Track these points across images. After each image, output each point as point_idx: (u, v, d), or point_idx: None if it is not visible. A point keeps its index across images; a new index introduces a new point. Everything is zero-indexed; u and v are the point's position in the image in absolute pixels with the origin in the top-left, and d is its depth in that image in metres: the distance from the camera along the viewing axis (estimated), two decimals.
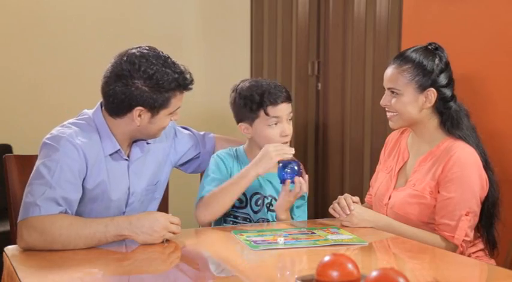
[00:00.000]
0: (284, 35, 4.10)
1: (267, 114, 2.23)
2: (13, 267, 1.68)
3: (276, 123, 2.24)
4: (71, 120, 2.07)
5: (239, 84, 2.31)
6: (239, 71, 4.34)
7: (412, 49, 2.26)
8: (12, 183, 2.24)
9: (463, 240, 2.11)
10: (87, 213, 2.02)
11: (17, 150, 3.80)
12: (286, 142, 2.26)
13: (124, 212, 2.12)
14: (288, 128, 2.26)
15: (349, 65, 3.60)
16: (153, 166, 2.19)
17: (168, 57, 2.03)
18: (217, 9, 4.42)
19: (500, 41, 2.63)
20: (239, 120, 2.29)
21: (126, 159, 2.10)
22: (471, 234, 2.14)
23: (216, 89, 4.20)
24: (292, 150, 2.17)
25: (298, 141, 3.98)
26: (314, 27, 3.88)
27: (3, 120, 3.89)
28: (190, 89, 2.06)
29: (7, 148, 3.82)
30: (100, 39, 4.04)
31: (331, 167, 3.75)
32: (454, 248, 2.12)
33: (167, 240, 1.91)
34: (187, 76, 2.04)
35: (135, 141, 2.13)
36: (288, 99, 2.27)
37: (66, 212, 1.90)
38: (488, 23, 2.68)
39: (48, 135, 2.00)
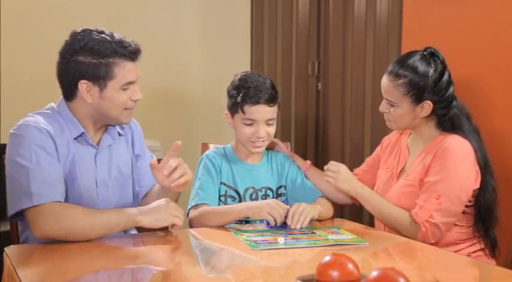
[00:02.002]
0: (284, 35, 4.10)
1: (243, 112, 2.22)
2: (13, 267, 1.68)
3: (251, 124, 2.23)
4: (35, 111, 2.07)
5: (241, 73, 2.31)
6: (239, 71, 4.34)
7: (407, 59, 2.23)
8: None
9: (427, 221, 2.13)
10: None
11: None
12: (262, 144, 2.24)
13: (97, 204, 2.07)
14: (263, 131, 2.23)
15: (349, 65, 3.60)
16: (124, 158, 2.17)
17: (111, 32, 2.03)
18: (217, 9, 4.42)
19: (500, 42, 2.62)
20: (227, 107, 2.31)
21: (93, 146, 2.08)
22: (439, 218, 2.13)
23: (216, 88, 4.20)
24: (281, 217, 2.08)
25: (298, 141, 3.98)
26: (314, 27, 3.88)
27: (4, 120, 3.89)
28: (134, 57, 2.03)
29: None
30: None
31: None
32: (417, 228, 2.14)
33: (173, 226, 1.96)
34: (129, 45, 2.01)
35: (106, 129, 2.12)
36: (269, 102, 2.22)
37: (62, 194, 1.92)
38: (488, 24, 2.67)
39: (14, 127, 2.00)
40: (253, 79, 2.25)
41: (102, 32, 2.02)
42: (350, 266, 1.34)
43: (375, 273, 1.26)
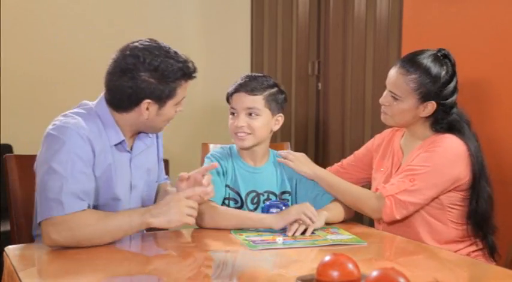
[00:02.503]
0: (284, 35, 4.10)
1: (229, 103, 2.26)
2: (13, 267, 1.68)
3: (234, 114, 2.24)
4: (73, 110, 2.03)
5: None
6: (239, 71, 4.30)
7: (421, 55, 2.22)
8: (13, 183, 2.24)
9: (392, 195, 2.13)
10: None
11: (17, 150, 3.80)
12: (245, 137, 2.22)
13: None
14: (242, 120, 2.20)
15: (349, 65, 3.60)
16: (153, 161, 2.18)
17: (170, 47, 2.03)
18: (217, 9, 4.43)
19: (500, 42, 2.63)
20: None
21: (129, 152, 2.07)
22: (407, 197, 2.14)
23: (216, 89, 4.20)
24: (313, 219, 2.01)
25: (298, 141, 3.99)
26: (314, 27, 3.88)
27: (4, 120, 3.89)
28: (195, 77, 2.06)
29: (7, 148, 3.82)
30: (100, 39, 4.04)
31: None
32: (381, 203, 2.14)
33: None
34: (190, 65, 2.03)
35: (137, 134, 2.10)
36: (249, 90, 2.20)
37: (88, 206, 1.89)
38: (488, 24, 2.68)
39: (51, 126, 1.96)
40: (252, 74, 2.29)
41: (162, 49, 2.00)
42: (350, 266, 1.34)
43: (375, 273, 1.26)
